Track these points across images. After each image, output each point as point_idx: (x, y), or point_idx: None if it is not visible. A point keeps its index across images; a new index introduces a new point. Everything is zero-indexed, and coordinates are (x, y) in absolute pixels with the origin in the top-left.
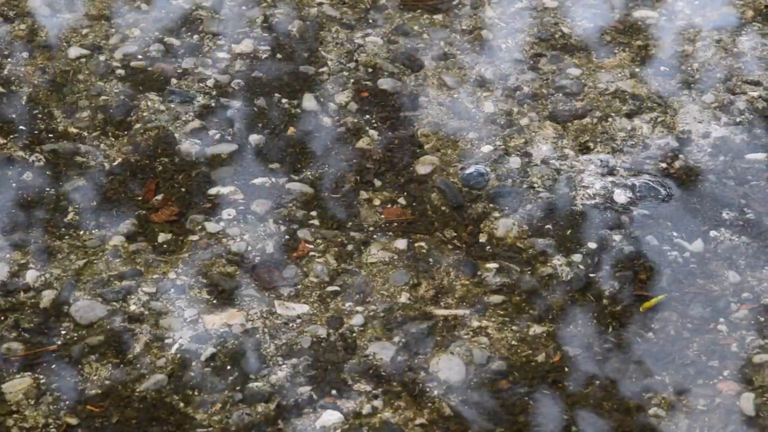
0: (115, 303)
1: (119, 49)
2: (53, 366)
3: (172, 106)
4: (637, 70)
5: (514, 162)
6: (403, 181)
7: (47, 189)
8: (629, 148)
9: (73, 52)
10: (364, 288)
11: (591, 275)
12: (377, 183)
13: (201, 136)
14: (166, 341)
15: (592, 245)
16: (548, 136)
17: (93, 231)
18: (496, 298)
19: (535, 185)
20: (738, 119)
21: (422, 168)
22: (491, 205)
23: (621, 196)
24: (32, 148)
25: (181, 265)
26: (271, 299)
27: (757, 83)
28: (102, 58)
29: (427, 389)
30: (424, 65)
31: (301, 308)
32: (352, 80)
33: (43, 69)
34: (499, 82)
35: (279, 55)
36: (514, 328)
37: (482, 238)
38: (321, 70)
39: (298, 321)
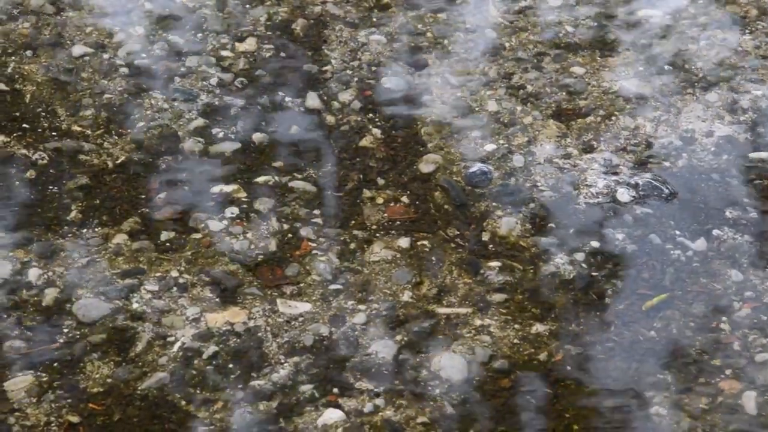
0: (117, 301)
1: (123, 48)
2: (55, 364)
3: (176, 104)
4: (641, 68)
5: (518, 160)
6: (406, 179)
7: (50, 187)
8: (633, 147)
9: (77, 50)
10: (366, 286)
11: (594, 274)
12: (380, 181)
13: (204, 135)
14: (169, 339)
15: (595, 244)
16: (552, 134)
17: (96, 229)
18: (499, 297)
19: (539, 184)
20: (742, 118)
21: (425, 166)
22: (494, 204)
23: (624, 195)
24: (36, 146)
25: (183, 263)
26: (273, 297)
27: (760, 82)
28: (106, 56)
29: (429, 388)
30: (427, 64)
31: (304, 306)
32: (355, 79)
33: (47, 67)
34: (502, 80)
35: (282, 54)
36: (516, 326)
37: (485, 237)
38: (324, 68)
39: (301, 319)
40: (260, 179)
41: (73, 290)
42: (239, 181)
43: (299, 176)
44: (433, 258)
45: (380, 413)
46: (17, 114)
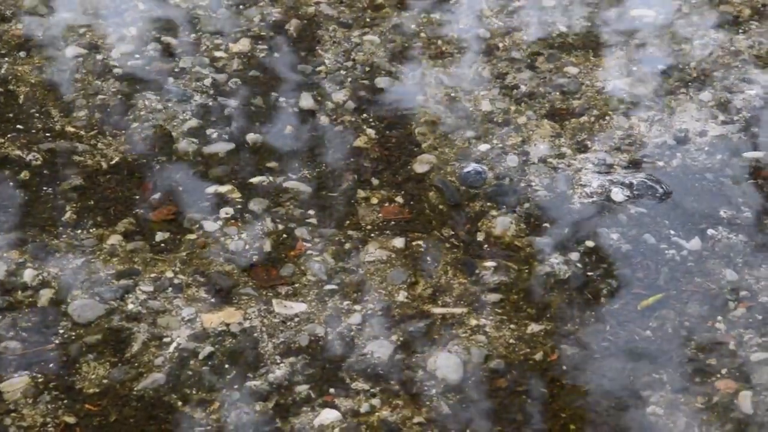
0: (112, 302)
1: (116, 48)
2: (51, 365)
3: (170, 105)
4: (635, 68)
5: (512, 160)
6: (400, 179)
7: (45, 188)
8: (627, 147)
9: (71, 51)
10: (361, 286)
11: (588, 273)
12: (375, 182)
13: (198, 135)
14: (164, 340)
15: (590, 243)
16: (546, 134)
17: (90, 230)
18: (494, 297)
19: (533, 183)
20: (735, 117)
21: (420, 166)
22: (489, 204)
23: (618, 195)
24: (29, 147)
25: (178, 264)
26: (268, 298)
27: (754, 81)
28: (99, 57)
29: (425, 388)
30: (421, 64)
31: (299, 307)
32: (349, 79)
33: (41, 68)
34: (496, 80)
35: (276, 54)
36: (511, 326)
37: (480, 237)
38: (318, 68)
39: (296, 319)
40: (254, 180)
41: (68, 291)
42: (233, 181)
43: (294, 176)
44: (428, 258)
45: (376, 413)
46: (11, 115)
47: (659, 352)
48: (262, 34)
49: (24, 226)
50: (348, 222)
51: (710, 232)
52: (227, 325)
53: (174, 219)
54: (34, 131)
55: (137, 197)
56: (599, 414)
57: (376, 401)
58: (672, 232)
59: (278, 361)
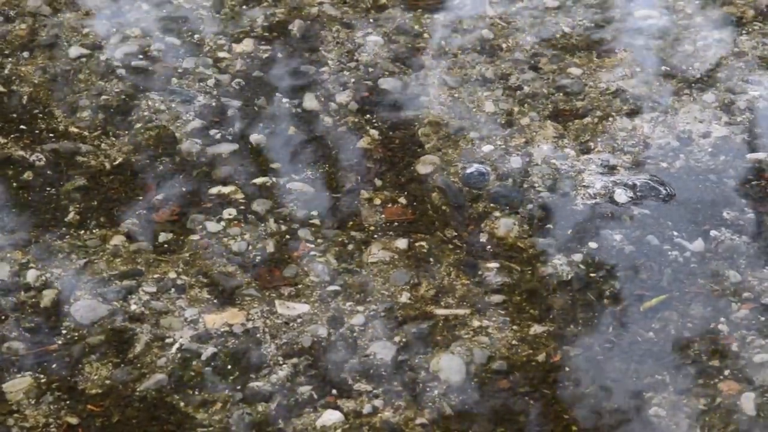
0: (115, 302)
1: (120, 49)
2: (54, 365)
3: (173, 105)
4: (638, 69)
5: (515, 161)
6: (403, 180)
7: (48, 188)
8: (630, 148)
9: (74, 51)
10: (364, 287)
11: (591, 275)
12: (378, 182)
13: (202, 136)
14: (167, 341)
15: (593, 245)
16: (549, 135)
17: (94, 230)
18: (497, 298)
19: (536, 185)
20: (739, 119)
21: (423, 167)
22: (492, 205)
23: (622, 196)
24: (33, 147)
25: (181, 265)
26: (271, 299)
27: (757, 82)
28: (103, 57)
29: (428, 389)
30: (424, 65)
31: (302, 308)
32: (352, 80)
33: (44, 68)
34: (499, 81)
35: (280, 55)
36: (514, 327)
37: (483, 238)
38: (322, 69)
39: (299, 320)
40: (258, 180)
41: (71, 292)
42: (237, 182)
43: (297, 177)
44: (431, 259)
45: (379, 414)
46: (14, 115)
47: (662, 353)
48: (265, 34)
49: (27, 226)
50: (351, 223)
51: (713, 233)
52: (230, 325)
53: (177, 220)
54: (37, 132)
55: (140, 198)
56: (602, 415)
57: (378, 402)
58: (675, 233)
59: (281, 362)
